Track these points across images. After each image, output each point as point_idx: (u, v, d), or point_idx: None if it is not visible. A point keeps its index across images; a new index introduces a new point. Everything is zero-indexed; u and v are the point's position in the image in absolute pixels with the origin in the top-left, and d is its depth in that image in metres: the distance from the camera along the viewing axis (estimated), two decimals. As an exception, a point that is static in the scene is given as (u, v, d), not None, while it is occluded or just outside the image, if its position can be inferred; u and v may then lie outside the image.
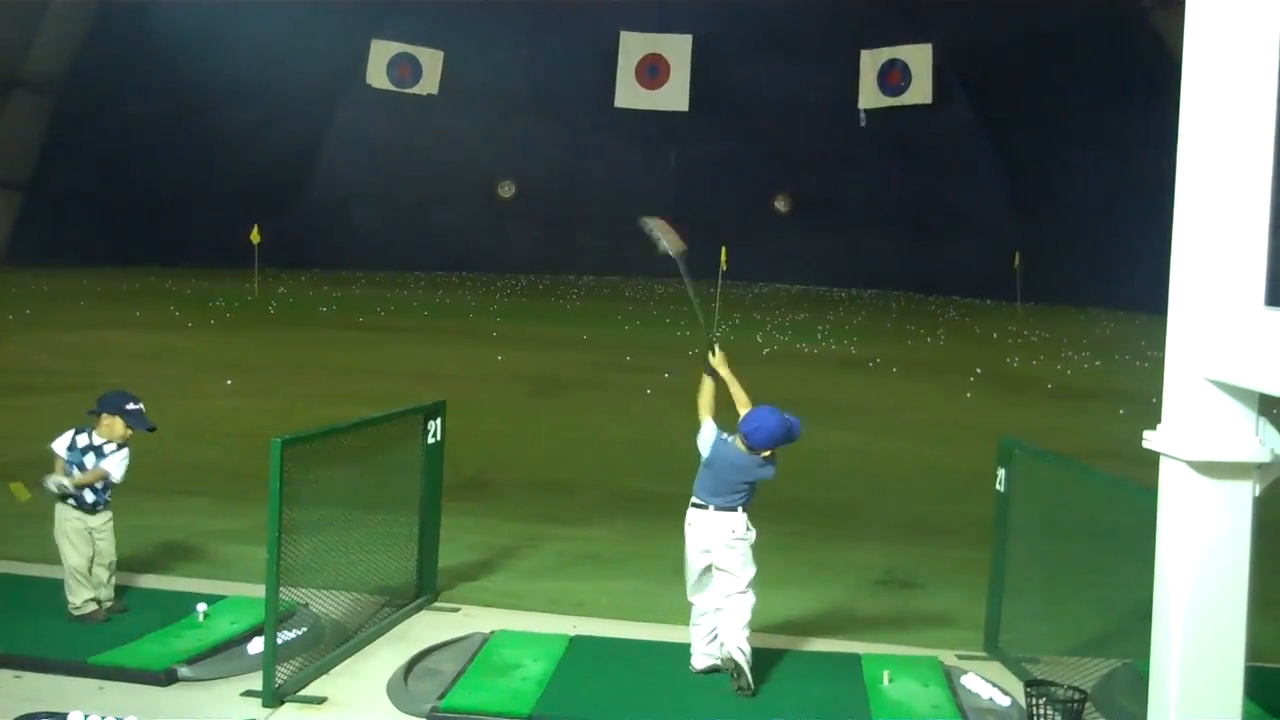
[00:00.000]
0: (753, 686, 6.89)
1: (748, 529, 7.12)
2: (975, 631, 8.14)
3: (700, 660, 7.27)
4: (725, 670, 7.03)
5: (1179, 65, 5.11)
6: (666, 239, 7.72)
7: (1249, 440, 4.99)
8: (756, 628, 7.13)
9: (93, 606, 7.65)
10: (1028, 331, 33.55)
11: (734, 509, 7.10)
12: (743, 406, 7.21)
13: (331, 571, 7.60)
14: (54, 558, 7.92)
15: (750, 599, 7.07)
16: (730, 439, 7.13)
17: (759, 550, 7.20)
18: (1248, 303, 4.86)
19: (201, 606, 7.78)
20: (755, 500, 7.22)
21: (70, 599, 7.65)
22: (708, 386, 7.26)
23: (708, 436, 7.14)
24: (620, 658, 7.54)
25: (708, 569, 7.17)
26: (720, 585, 7.10)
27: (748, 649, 6.97)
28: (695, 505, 7.18)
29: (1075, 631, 7.53)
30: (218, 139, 43.74)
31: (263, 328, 27.55)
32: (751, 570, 7.12)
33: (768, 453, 7.07)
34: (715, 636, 7.21)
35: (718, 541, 7.07)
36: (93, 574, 7.72)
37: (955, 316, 39.20)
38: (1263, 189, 4.89)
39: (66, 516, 7.72)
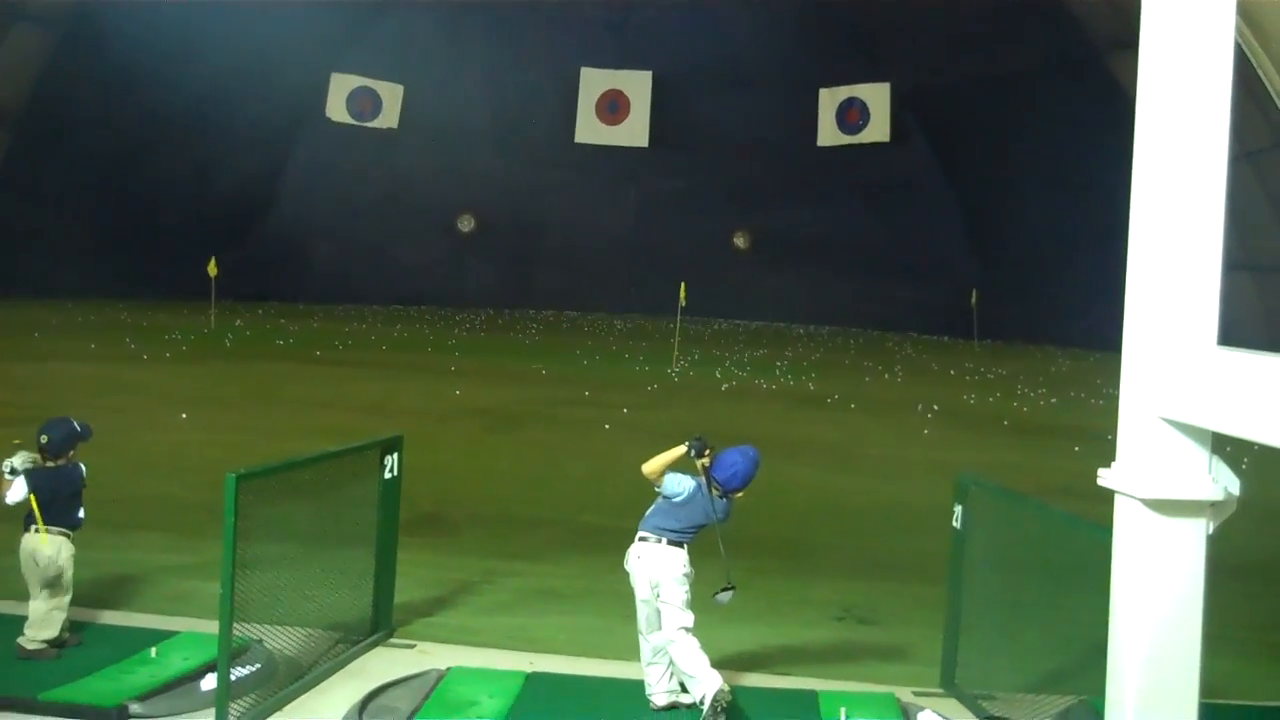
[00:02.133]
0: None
1: (688, 565, 7.22)
2: (932, 668, 8.16)
3: (660, 698, 7.25)
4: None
5: (1134, 107, 5.17)
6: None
7: (1202, 478, 5.03)
8: (713, 664, 7.10)
9: (43, 645, 7.55)
10: (984, 369, 33.74)
11: (681, 545, 7.20)
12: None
13: (286, 607, 7.54)
14: (6, 592, 7.82)
15: (694, 638, 7.08)
16: (703, 482, 7.22)
17: (715, 584, 7.21)
18: (1200, 342, 4.91)
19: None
20: (711, 534, 7.25)
21: (44, 634, 7.53)
22: (675, 455, 7.32)
23: (686, 481, 7.21)
24: (578, 694, 7.51)
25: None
26: (667, 620, 7.11)
27: (714, 685, 6.94)
28: (642, 539, 7.21)
29: (1031, 668, 7.56)
30: (175, 172, 43.54)
31: (219, 361, 27.36)
32: (690, 611, 7.17)
33: (739, 495, 7.20)
34: (673, 674, 7.21)
35: (667, 575, 7.12)
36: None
37: (913, 353, 39.36)
38: (1215, 230, 4.95)
39: (68, 545, 7.66)
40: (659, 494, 7.28)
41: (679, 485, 7.20)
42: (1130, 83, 5.52)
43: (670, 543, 7.16)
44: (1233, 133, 4.95)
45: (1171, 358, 4.98)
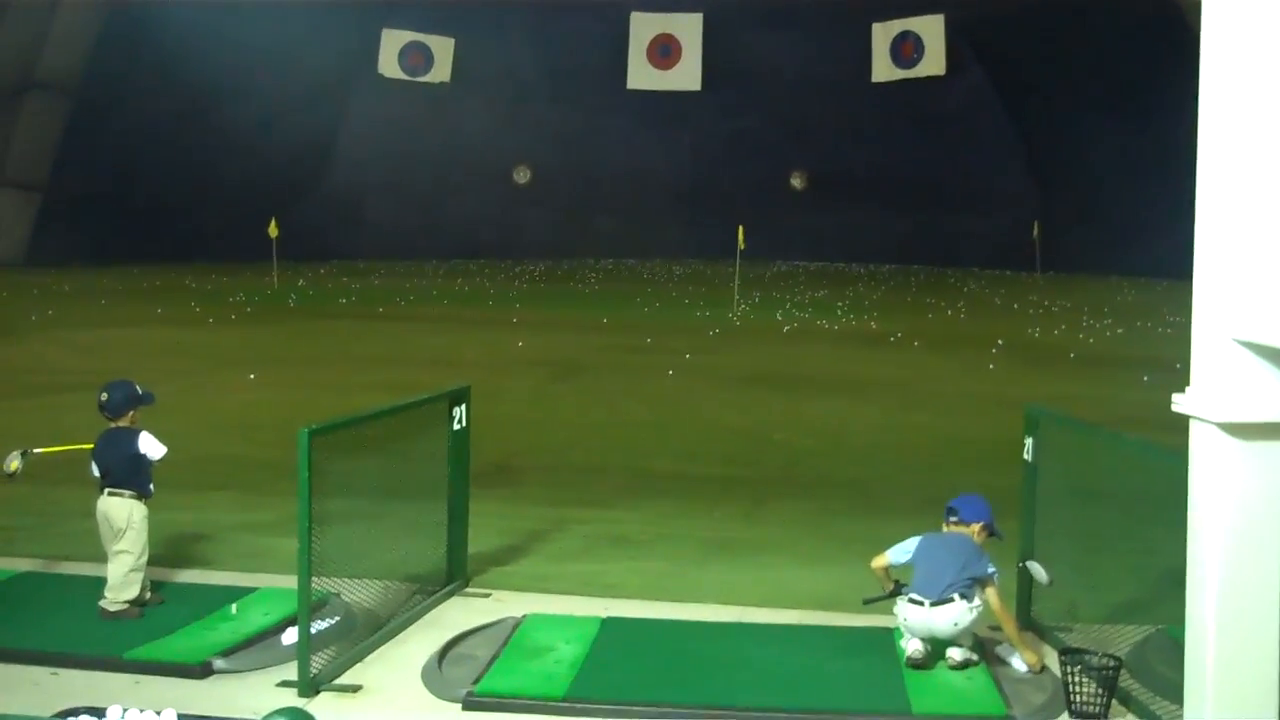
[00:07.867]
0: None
1: (971, 611, 6.97)
2: (1007, 601, 8.12)
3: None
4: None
5: (1195, 27, 5.06)
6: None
7: (1279, 400, 4.95)
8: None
9: (125, 605, 7.65)
10: (1048, 301, 33.42)
11: (950, 600, 6.98)
12: None
13: (362, 560, 7.59)
14: (90, 554, 7.95)
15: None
16: (930, 535, 7.30)
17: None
18: (1275, 262, 4.82)
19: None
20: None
21: (125, 595, 7.61)
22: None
23: (903, 546, 7.28)
24: (653, 638, 7.54)
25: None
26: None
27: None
28: (911, 601, 7.07)
29: (1108, 599, 7.51)
30: (232, 134, 43.77)
31: (283, 321, 27.59)
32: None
33: (979, 528, 7.22)
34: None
35: (942, 632, 6.99)
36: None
37: (975, 288, 39.05)
38: (1287, 147, 4.84)
39: (139, 508, 7.73)
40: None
41: (898, 553, 7.26)
42: (1191, 2, 5.41)
43: (934, 604, 6.98)
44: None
45: (1244, 278, 4.89)
